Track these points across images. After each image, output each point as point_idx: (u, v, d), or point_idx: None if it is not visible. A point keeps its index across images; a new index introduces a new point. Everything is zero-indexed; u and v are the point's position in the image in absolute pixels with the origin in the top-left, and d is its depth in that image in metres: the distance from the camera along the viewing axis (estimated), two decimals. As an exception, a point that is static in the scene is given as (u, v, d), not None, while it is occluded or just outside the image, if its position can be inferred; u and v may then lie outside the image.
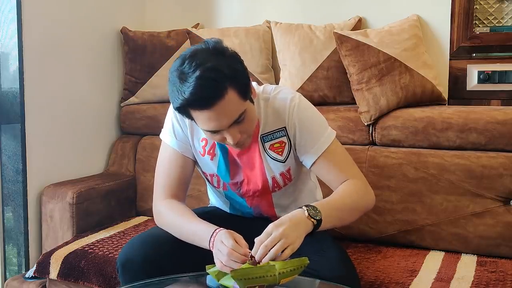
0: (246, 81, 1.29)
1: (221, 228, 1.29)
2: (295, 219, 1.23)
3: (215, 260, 1.23)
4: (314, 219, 1.24)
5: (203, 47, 1.26)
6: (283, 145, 1.45)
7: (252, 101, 1.35)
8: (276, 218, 1.34)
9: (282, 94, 1.44)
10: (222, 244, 1.22)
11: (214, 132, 1.29)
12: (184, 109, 1.27)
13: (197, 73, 1.19)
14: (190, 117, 1.30)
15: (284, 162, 1.46)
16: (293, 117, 1.42)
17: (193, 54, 1.23)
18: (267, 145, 1.45)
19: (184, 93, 1.21)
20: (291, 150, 1.45)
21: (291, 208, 1.38)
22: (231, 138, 1.29)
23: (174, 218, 1.41)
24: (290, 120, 1.42)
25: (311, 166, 1.45)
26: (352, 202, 1.39)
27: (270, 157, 1.46)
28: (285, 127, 1.43)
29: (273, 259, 1.17)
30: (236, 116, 1.27)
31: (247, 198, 1.53)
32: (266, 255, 1.17)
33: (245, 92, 1.28)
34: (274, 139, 1.44)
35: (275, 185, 1.49)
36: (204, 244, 1.29)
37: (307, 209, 1.25)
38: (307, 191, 1.61)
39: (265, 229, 1.21)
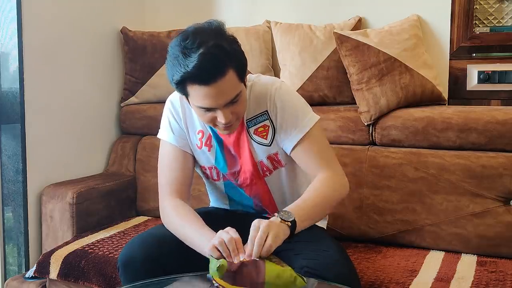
0: (245, 63, 1.35)
1: None
2: (271, 222, 1.26)
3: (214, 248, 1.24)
4: (288, 221, 1.28)
5: (206, 25, 1.31)
6: (267, 128, 1.47)
7: (245, 85, 1.39)
8: (277, 210, 1.35)
9: (263, 79, 1.49)
10: (227, 233, 1.24)
11: (207, 110, 1.32)
12: (183, 83, 1.29)
13: (202, 49, 1.24)
14: (186, 93, 1.33)
15: (269, 145, 1.48)
16: (274, 99, 1.44)
17: (196, 32, 1.28)
18: (252, 130, 1.47)
19: (188, 66, 1.25)
20: (275, 133, 1.47)
21: (291, 201, 1.39)
22: (223, 117, 1.32)
23: (177, 222, 1.41)
24: (271, 103, 1.44)
25: (291, 150, 1.46)
26: (325, 198, 1.41)
27: (256, 142, 1.48)
28: (266, 111, 1.46)
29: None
30: (232, 96, 1.30)
31: (245, 188, 1.55)
32: (261, 249, 1.19)
33: (243, 74, 1.33)
34: (258, 124, 1.47)
35: (265, 168, 1.51)
36: (203, 251, 1.29)
37: (279, 215, 1.29)
38: (307, 182, 1.60)
39: (251, 226, 1.23)
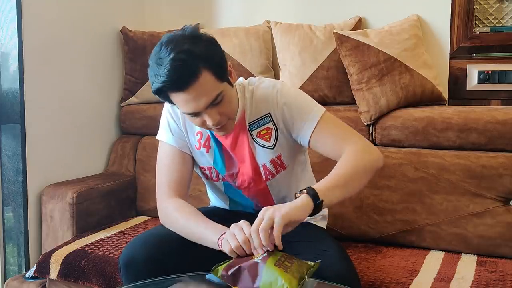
0: (222, 62, 1.32)
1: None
2: (272, 206, 1.23)
3: (226, 241, 1.22)
4: (305, 189, 1.23)
5: (180, 33, 1.30)
6: (270, 131, 1.46)
7: (230, 84, 1.37)
8: None
9: (265, 83, 1.48)
10: (240, 231, 1.20)
11: (193, 115, 1.32)
12: (162, 92, 1.30)
13: (171, 55, 1.24)
14: (170, 101, 1.33)
15: (273, 148, 1.48)
16: (278, 101, 1.43)
17: (170, 40, 1.27)
18: (255, 133, 1.47)
19: (160, 76, 1.25)
20: (279, 135, 1.47)
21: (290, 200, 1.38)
22: (210, 119, 1.31)
23: (182, 219, 1.40)
24: (275, 105, 1.44)
25: (309, 141, 1.43)
26: (355, 167, 1.35)
27: (259, 145, 1.48)
28: (269, 113, 1.45)
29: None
30: (212, 97, 1.29)
31: (244, 190, 1.54)
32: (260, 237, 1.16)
33: (221, 74, 1.31)
34: (261, 126, 1.46)
35: (267, 172, 1.50)
36: (213, 246, 1.29)
37: (296, 192, 1.25)
38: (305, 183, 1.61)
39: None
